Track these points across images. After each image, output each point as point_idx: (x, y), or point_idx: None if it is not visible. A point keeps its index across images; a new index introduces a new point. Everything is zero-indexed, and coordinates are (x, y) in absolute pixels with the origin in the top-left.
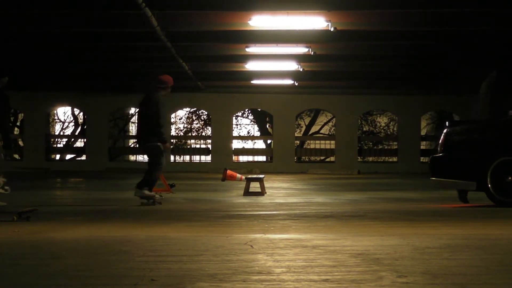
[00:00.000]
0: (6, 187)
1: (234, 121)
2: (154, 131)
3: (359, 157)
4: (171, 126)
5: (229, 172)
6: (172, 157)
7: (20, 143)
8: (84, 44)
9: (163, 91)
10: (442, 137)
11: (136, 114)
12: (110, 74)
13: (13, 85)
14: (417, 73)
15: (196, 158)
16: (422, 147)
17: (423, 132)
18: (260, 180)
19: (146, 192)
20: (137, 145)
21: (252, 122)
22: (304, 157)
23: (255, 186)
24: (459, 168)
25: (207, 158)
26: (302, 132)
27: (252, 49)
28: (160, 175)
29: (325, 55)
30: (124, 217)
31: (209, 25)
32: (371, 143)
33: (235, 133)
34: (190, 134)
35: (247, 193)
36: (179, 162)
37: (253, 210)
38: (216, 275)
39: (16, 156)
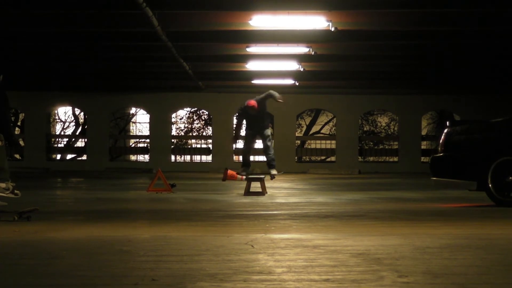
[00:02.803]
0: (16, 191)
1: (235, 121)
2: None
3: (359, 157)
4: (172, 126)
5: (229, 172)
6: (172, 157)
7: (21, 142)
8: (84, 44)
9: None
10: (442, 137)
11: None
12: (110, 74)
13: (14, 85)
14: (417, 73)
15: (196, 158)
16: (422, 147)
17: (423, 132)
18: (260, 180)
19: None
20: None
21: None
22: (304, 157)
23: (255, 186)
24: (460, 168)
25: (208, 158)
26: (302, 132)
27: (252, 49)
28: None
29: (326, 55)
30: (124, 217)
31: (209, 25)
32: (371, 143)
33: None
34: (190, 134)
35: (247, 193)
36: (179, 162)
37: (254, 210)
38: (216, 275)
39: (17, 156)
